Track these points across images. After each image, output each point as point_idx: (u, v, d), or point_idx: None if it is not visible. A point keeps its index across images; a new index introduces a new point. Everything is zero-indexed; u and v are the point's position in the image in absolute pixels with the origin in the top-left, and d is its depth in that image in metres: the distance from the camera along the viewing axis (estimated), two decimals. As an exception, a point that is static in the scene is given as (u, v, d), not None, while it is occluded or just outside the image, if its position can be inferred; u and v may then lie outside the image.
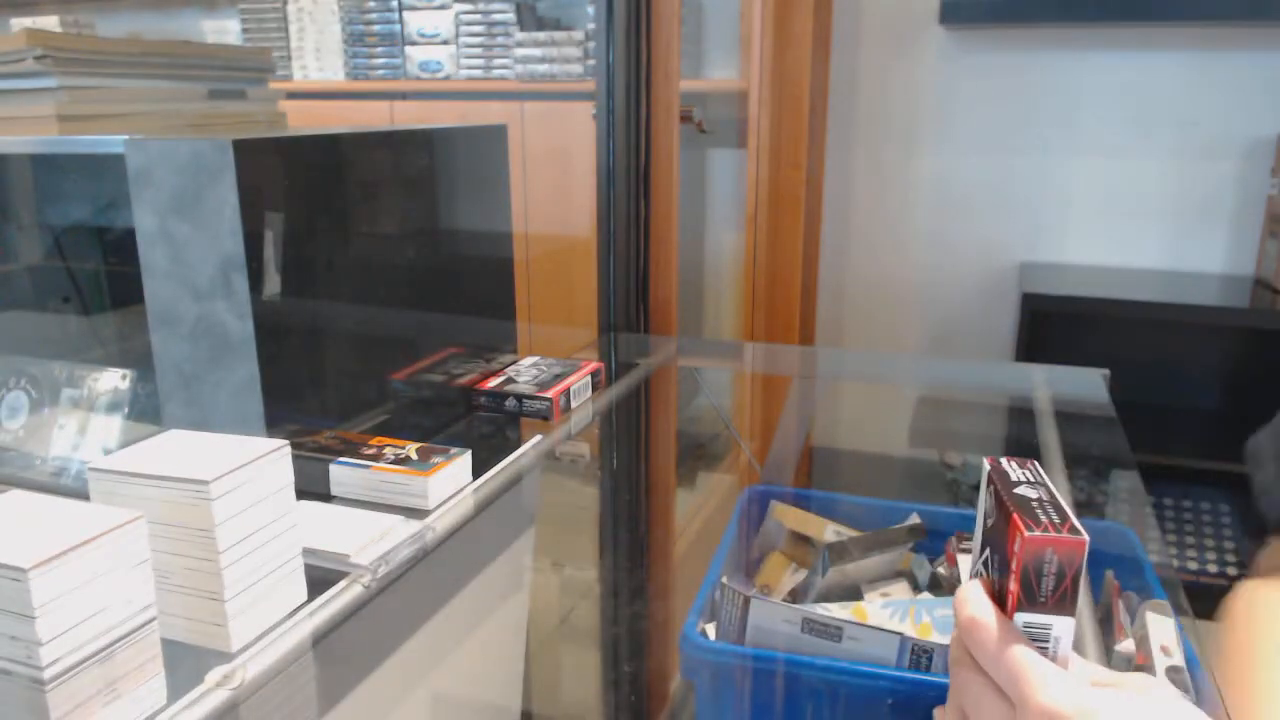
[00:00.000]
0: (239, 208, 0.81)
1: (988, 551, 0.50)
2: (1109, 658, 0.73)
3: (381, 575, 0.75)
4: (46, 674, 0.50)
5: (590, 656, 0.94)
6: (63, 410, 0.91)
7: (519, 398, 1.13)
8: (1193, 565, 1.86)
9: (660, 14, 1.49)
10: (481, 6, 2.46)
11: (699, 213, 2.56)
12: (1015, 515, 0.46)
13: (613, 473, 1.20)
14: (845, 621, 0.67)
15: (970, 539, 0.85)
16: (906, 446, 1.45)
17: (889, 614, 0.74)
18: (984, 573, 0.50)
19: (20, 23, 1.63)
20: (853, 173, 2.40)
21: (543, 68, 2.41)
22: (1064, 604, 0.45)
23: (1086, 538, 0.44)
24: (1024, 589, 0.45)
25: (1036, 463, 0.52)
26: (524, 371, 1.21)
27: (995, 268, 2.33)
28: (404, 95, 2.60)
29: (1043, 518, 0.46)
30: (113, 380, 0.91)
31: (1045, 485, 0.50)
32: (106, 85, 1.06)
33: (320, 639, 0.67)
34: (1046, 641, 0.46)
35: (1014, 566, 0.45)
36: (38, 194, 1.23)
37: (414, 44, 2.55)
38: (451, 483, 0.90)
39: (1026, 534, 0.44)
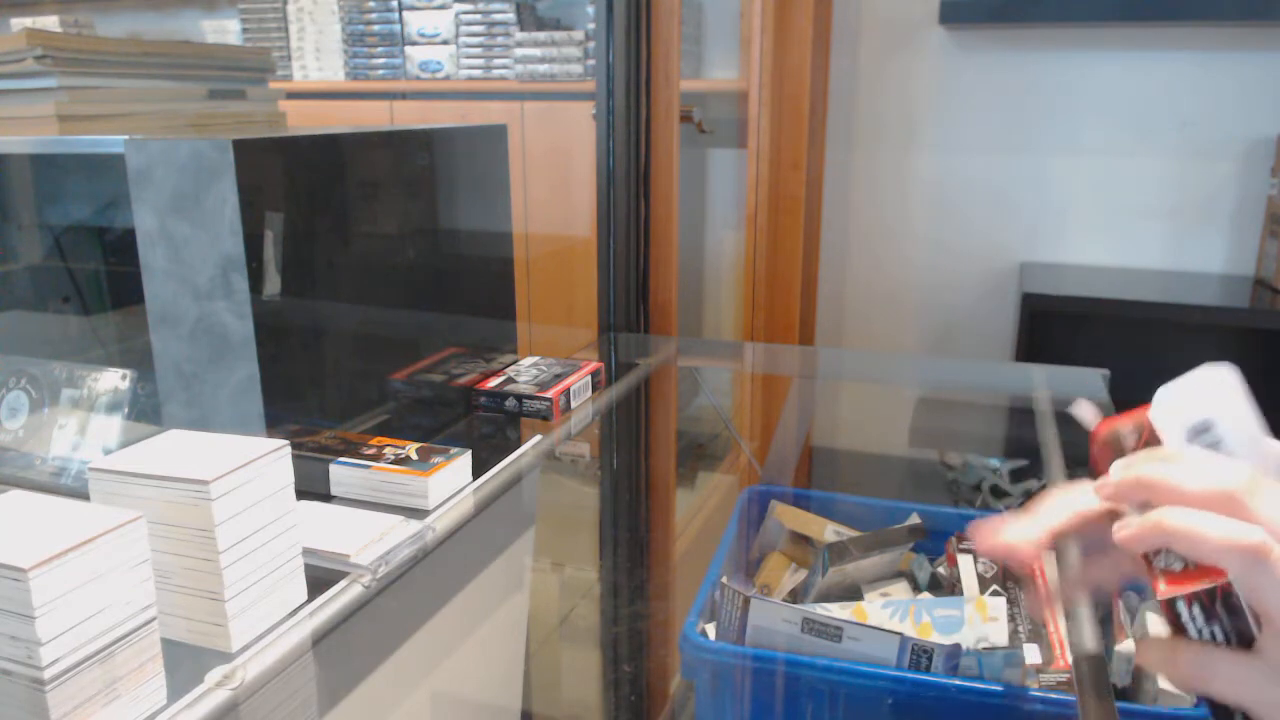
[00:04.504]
0: (239, 208, 0.81)
1: None
2: (1109, 658, 0.73)
3: (381, 575, 0.75)
4: (46, 674, 0.50)
5: (590, 656, 0.94)
6: (63, 410, 0.91)
7: (519, 398, 1.13)
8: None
9: (660, 14, 1.49)
10: (481, 6, 2.46)
11: (699, 213, 2.56)
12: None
13: (613, 473, 1.20)
14: (845, 621, 0.67)
15: (970, 538, 0.85)
16: (906, 446, 1.45)
17: (889, 614, 0.74)
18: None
19: (20, 23, 1.63)
20: (853, 173, 2.40)
21: (543, 68, 2.41)
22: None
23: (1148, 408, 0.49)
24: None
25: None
26: (524, 371, 1.21)
27: (995, 268, 2.33)
28: (404, 95, 2.60)
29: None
30: (113, 380, 0.91)
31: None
32: (106, 85, 1.06)
33: (320, 639, 0.67)
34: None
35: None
36: (38, 194, 1.23)
37: (414, 44, 2.55)
38: (451, 483, 0.90)
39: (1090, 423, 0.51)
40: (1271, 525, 0.41)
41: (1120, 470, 0.46)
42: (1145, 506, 0.44)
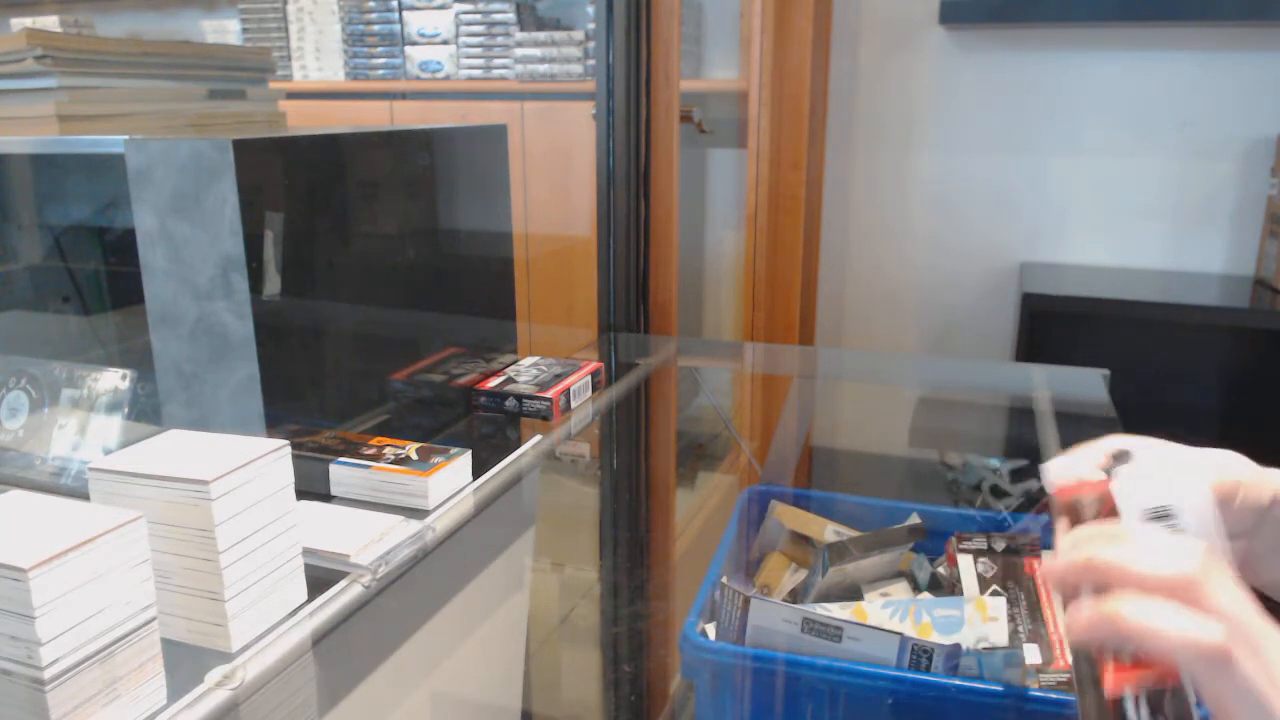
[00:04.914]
0: (239, 208, 0.81)
1: None
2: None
3: (381, 575, 0.75)
4: (46, 674, 0.50)
5: (590, 656, 0.94)
6: (63, 410, 0.91)
7: (519, 398, 1.13)
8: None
9: (660, 14, 1.49)
10: (481, 6, 2.46)
11: (699, 213, 2.56)
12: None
13: (613, 473, 1.20)
14: (845, 621, 0.67)
15: (969, 538, 0.85)
16: (906, 446, 1.45)
17: (889, 614, 0.74)
18: None
19: (20, 23, 1.63)
20: (853, 173, 2.40)
21: (543, 68, 2.41)
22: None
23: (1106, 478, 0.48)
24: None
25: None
26: (524, 371, 1.21)
27: (995, 268, 2.33)
28: (404, 95, 2.60)
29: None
30: (113, 380, 0.91)
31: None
32: (106, 85, 1.06)
33: (320, 639, 0.67)
34: None
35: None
36: (38, 194, 1.23)
37: (414, 44, 2.54)
38: (451, 483, 0.90)
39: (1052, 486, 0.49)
40: (1230, 616, 0.39)
41: (1069, 551, 0.44)
42: (1099, 588, 0.42)
